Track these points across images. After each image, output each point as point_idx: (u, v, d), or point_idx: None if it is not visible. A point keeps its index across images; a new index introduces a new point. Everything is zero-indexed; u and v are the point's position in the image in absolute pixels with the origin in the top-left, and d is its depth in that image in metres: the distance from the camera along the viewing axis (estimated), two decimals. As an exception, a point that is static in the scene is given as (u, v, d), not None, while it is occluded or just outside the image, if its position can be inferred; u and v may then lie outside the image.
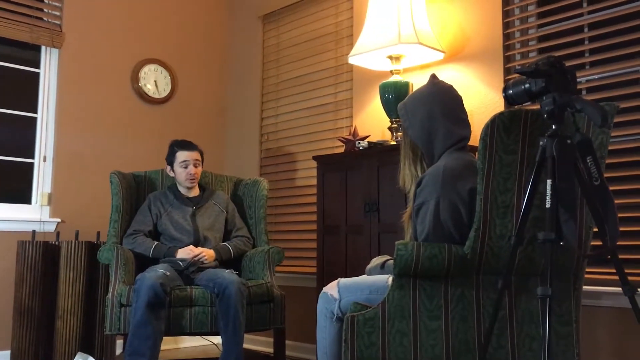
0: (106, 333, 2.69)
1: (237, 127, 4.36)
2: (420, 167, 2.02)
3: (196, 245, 2.99)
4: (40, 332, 3.17)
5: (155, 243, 2.97)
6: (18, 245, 3.21)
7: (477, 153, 1.79)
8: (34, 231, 3.36)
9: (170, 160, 3.16)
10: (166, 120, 4.11)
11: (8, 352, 3.17)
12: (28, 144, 3.64)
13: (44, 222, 3.52)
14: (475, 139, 1.91)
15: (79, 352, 3.03)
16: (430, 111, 1.98)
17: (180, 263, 2.88)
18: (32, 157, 3.64)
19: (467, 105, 2.10)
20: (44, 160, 3.64)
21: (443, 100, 2.01)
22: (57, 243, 3.30)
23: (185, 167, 3.10)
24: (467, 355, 1.79)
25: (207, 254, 2.95)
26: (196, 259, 2.90)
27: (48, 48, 3.70)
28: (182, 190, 3.17)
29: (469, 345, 1.80)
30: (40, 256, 3.21)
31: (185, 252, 2.93)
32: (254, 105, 4.24)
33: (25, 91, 3.68)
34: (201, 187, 3.25)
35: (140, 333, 2.53)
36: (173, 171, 3.16)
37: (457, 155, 1.94)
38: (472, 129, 2.09)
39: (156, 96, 4.08)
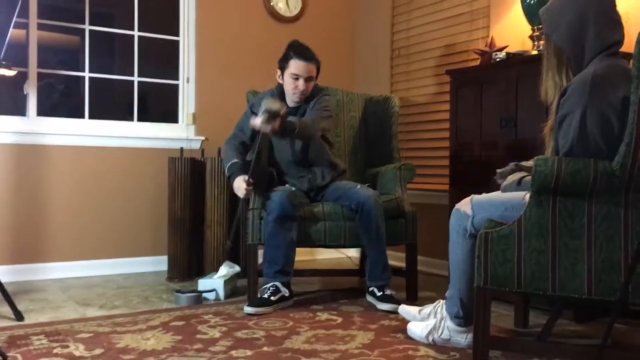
0: (248, 243, 2.89)
1: (368, 44, 4.29)
2: (565, 76, 1.86)
3: (302, 170, 2.96)
4: (192, 240, 3.48)
5: (233, 161, 2.89)
6: (169, 162, 3.50)
7: (632, 59, 1.61)
8: (181, 148, 3.63)
9: (282, 66, 2.91)
10: (297, 37, 4.11)
11: (166, 257, 3.53)
12: (172, 66, 3.87)
13: (190, 139, 3.79)
14: (629, 44, 1.73)
15: (226, 261, 3.28)
16: (581, 12, 1.80)
17: (300, 186, 2.93)
18: (177, 78, 3.87)
19: (623, 5, 1.88)
20: (187, 81, 3.86)
21: (595, 1, 1.82)
22: (202, 160, 3.55)
23: (296, 79, 2.86)
24: (611, 274, 1.71)
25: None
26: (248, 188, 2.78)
27: (185, -28, 3.83)
28: (287, 99, 2.93)
29: (614, 265, 1.71)
30: (189, 171, 3.46)
31: (239, 183, 2.81)
32: (384, 20, 4.13)
33: (166, 15, 3.87)
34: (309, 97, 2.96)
35: (273, 244, 2.71)
36: (282, 78, 2.93)
37: (609, 61, 1.77)
38: (626, 32, 1.88)
39: (287, 14, 4.11)
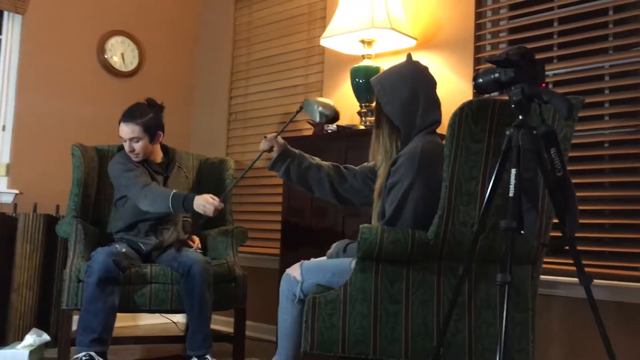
0: (62, 308, 2.64)
1: (205, 105, 4.30)
2: (395, 145, 2.01)
3: (167, 218, 2.88)
4: (-6, 305, 3.09)
5: (173, 191, 2.67)
6: (-27, 216, 3.12)
7: (444, 140, 1.80)
8: (-10, 202, 3.27)
9: None
10: (132, 94, 4.00)
11: (-41, 325, 3.09)
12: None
13: (0, 193, 3.42)
14: (443, 127, 1.93)
15: (34, 328, 2.97)
16: (412, 92, 1.98)
17: (142, 246, 2.82)
18: (-10, 125, 3.53)
19: (437, 93, 2.11)
20: (3, 129, 3.53)
21: (424, 81, 2.02)
22: (14, 215, 3.22)
23: (125, 142, 2.83)
24: (425, 338, 1.82)
25: (196, 243, 2.96)
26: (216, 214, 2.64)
27: (11, 13, 3.57)
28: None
29: (428, 329, 1.82)
30: (-4, 228, 3.12)
31: (205, 200, 2.58)
32: (223, 84, 4.18)
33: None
34: (165, 150, 3.02)
35: (91, 309, 2.50)
36: None
37: (431, 138, 1.96)
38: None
39: (123, 69, 3.99)
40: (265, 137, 2.28)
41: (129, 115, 2.82)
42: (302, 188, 2.29)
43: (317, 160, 2.27)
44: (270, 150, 2.27)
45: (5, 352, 2.67)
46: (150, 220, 2.84)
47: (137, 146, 2.81)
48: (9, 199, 3.44)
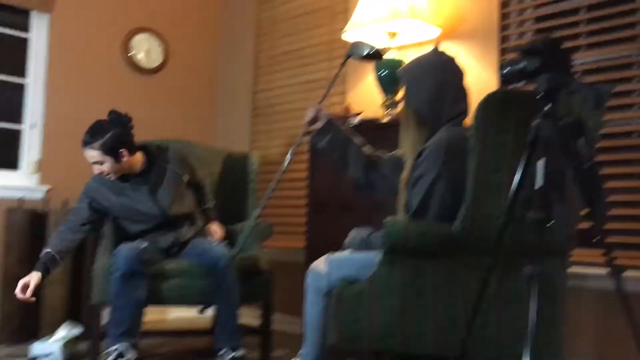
0: (91, 303, 2.69)
1: (230, 100, 4.32)
2: (422, 136, 1.98)
3: (168, 227, 2.83)
4: (27, 300, 3.16)
5: (47, 249, 2.62)
6: (6, 213, 3.19)
7: (470, 132, 1.78)
8: (21, 198, 3.33)
9: None
10: (157, 90, 4.06)
11: (-6, 319, 3.17)
12: (16, 109, 3.59)
13: (32, 189, 3.50)
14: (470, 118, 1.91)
15: (66, 322, 3.03)
16: (440, 82, 1.96)
17: (161, 244, 2.81)
18: (21, 122, 3.59)
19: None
20: (33, 126, 3.60)
21: (450, 72, 1.99)
22: (45, 211, 3.28)
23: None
24: (452, 332, 1.81)
25: (218, 234, 2.92)
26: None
27: (38, 12, 3.63)
28: None
29: (455, 322, 1.81)
30: (28, 224, 3.19)
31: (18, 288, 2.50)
32: (247, 78, 4.20)
33: (14, 56, 3.62)
34: (146, 152, 2.87)
35: (119, 303, 2.54)
36: None
37: (457, 130, 1.93)
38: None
39: (148, 66, 4.03)
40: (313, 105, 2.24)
41: (87, 138, 2.68)
42: (337, 162, 2.22)
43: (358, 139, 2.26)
44: (314, 122, 2.22)
45: (39, 345, 2.73)
46: (168, 218, 2.82)
47: (104, 168, 2.69)
48: (39, 195, 3.51)
